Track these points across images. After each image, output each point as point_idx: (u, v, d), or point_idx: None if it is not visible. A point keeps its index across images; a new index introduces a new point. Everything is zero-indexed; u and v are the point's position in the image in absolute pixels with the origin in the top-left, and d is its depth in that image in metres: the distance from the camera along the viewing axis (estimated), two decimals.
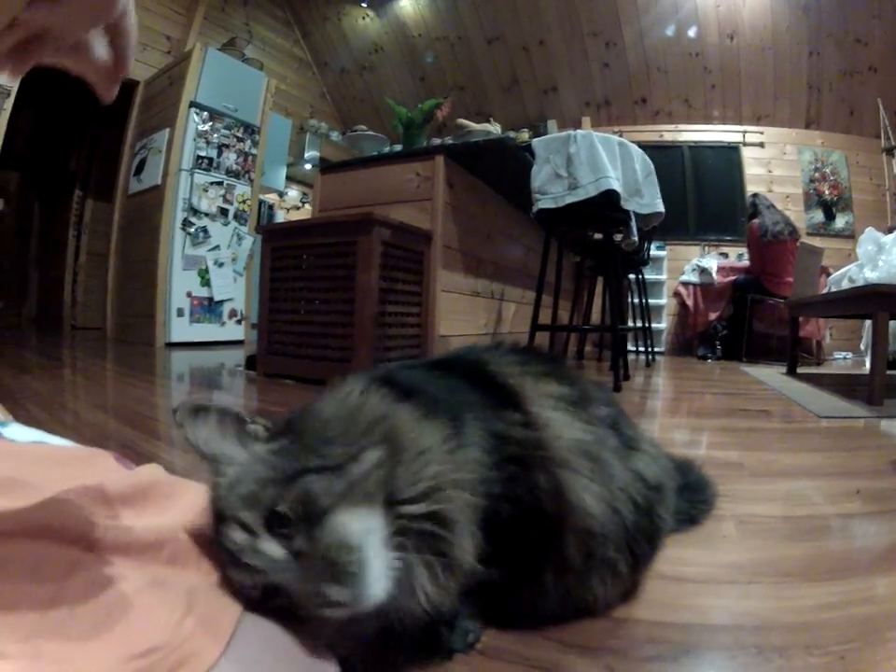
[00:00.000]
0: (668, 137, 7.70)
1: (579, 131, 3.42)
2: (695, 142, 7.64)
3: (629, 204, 3.47)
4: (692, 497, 1.21)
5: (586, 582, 0.78)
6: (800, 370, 4.78)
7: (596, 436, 0.78)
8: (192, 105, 5.73)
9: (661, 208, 3.74)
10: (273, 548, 0.53)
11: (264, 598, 0.55)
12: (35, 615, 0.43)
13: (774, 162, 7.46)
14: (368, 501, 0.56)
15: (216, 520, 0.57)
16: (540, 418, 0.75)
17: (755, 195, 6.46)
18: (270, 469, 0.57)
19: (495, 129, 4.11)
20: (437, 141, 4.22)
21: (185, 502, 0.66)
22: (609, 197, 3.29)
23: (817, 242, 6.23)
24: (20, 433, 0.79)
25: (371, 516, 0.56)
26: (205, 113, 5.82)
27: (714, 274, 6.72)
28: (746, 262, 6.62)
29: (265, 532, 0.54)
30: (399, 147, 4.22)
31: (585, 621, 0.82)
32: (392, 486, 0.59)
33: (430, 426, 0.65)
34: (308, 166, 8.03)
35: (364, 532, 0.55)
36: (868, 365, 3.63)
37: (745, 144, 7.50)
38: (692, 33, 6.92)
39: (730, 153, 7.57)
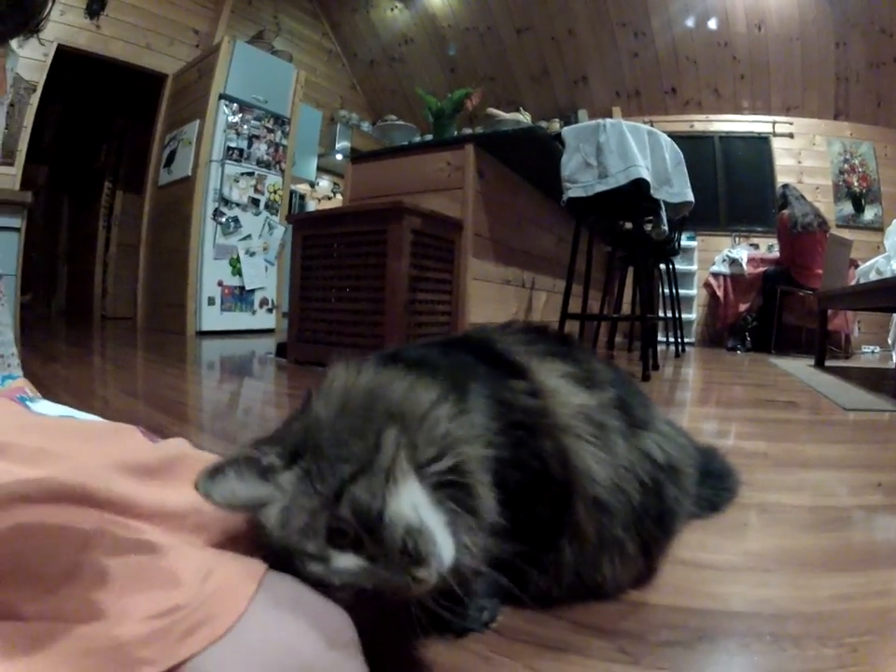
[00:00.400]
0: (699, 127, 7.61)
1: (608, 119, 3.40)
2: (726, 132, 7.56)
3: (659, 193, 3.44)
4: (714, 484, 1.20)
5: (597, 560, 0.78)
6: (828, 363, 4.72)
7: (601, 407, 0.78)
8: (222, 97, 5.76)
9: (690, 197, 3.71)
10: (349, 563, 0.54)
11: (361, 601, 0.56)
12: (58, 576, 0.44)
13: (804, 153, 7.36)
14: (404, 478, 0.57)
15: (282, 559, 0.57)
16: (546, 387, 0.76)
17: (785, 186, 6.40)
18: (309, 496, 0.57)
19: (525, 118, 4.10)
20: (467, 131, 4.21)
21: None
22: (639, 186, 3.27)
23: (846, 234, 6.15)
24: (48, 408, 0.80)
25: (414, 491, 0.57)
26: (235, 105, 5.85)
27: (745, 265, 6.66)
28: (776, 254, 6.56)
29: (335, 553, 0.55)
30: (429, 137, 4.22)
31: (599, 603, 0.82)
32: (415, 455, 0.60)
33: (424, 386, 0.66)
34: (339, 156, 7.99)
35: (417, 509, 0.56)
36: (895, 359, 3.59)
37: (775, 134, 7.40)
38: (718, 22, 6.85)
39: (760, 144, 7.48)
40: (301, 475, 0.58)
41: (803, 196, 6.22)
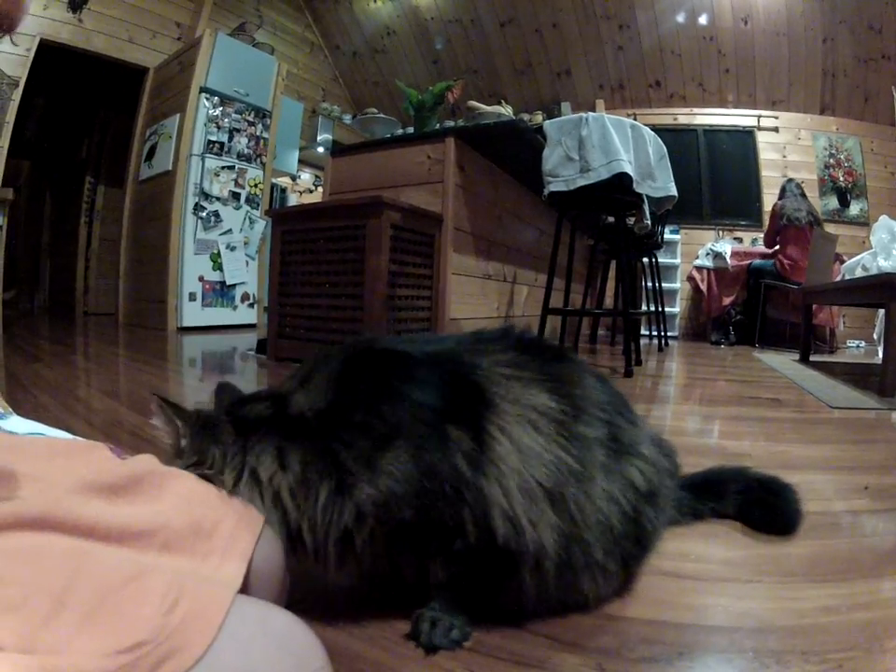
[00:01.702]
0: (683, 121, 7.63)
1: (590, 113, 3.38)
2: (710, 125, 7.57)
3: (642, 188, 3.43)
4: (701, 495, 1.17)
5: (574, 582, 0.79)
6: (813, 357, 4.75)
7: (568, 466, 0.77)
8: (203, 90, 5.72)
9: (674, 192, 3.70)
10: None
11: None
12: (31, 606, 0.43)
13: (789, 147, 7.39)
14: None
15: None
16: (499, 445, 0.75)
17: (789, 180, 6.42)
18: None
19: (507, 111, 4.08)
20: (449, 124, 4.19)
21: (178, 490, 0.66)
22: (622, 180, 3.26)
23: (831, 229, 6.20)
24: (18, 425, 0.80)
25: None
26: (216, 98, 5.81)
27: (728, 259, 6.67)
28: (760, 247, 6.59)
29: None
30: (410, 130, 4.20)
31: (578, 617, 0.82)
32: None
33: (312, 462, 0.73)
34: (321, 149, 7.99)
35: None
36: (881, 355, 3.59)
37: (759, 128, 7.42)
38: (705, 17, 6.86)
39: (745, 137, 7.50)
40: None
41: (804, 195, 6.22)
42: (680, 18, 6.94)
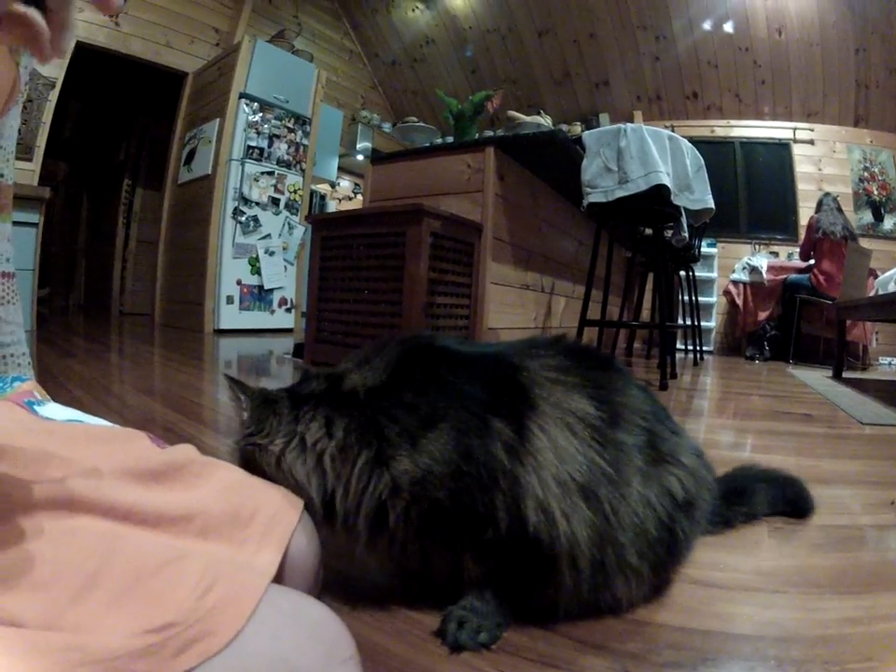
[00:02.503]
0: (720, 133, 7.57)
1: (629, 124, 3.38)
2: (747, 138, 7.50)
3: (679, 200, 3.42)
4: (735, 502, 1.20)
5: (608, 583, 0.80)
6: (845, 374, 4.70)
7: (602, 468, 0.79)
8: (242, 95, 5.78)
9: (711, 204, 3.68)
10: None
11: None
12: (59, 585, 0.44)
13: (824, 160, 7.29)
14: None
15: None
16: (539, 440, 0.78)
17: (826, 194, 6.38)
18: None
19: (546, 121, 4.09)
20: (488, 133, 4.20)
21: (217, 479, 0.67)
22: (660, 192, 3.25)
23: (865, 243, 6.12)
24: (56, 412, 0.80)
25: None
26: (255, 104, 5.87)
27: (764, 273, 6.62)
28: (797, 261, 6.53)
29: None
30: (449, 139, 4.21)
31: (606, 621, 0.83)
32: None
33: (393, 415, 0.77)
34: (360, 157, 7.99)
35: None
36: None
37: (795, 140, 7.33)
38: (739, 27, 6.80)
39: (780, 150, 7.41)
40: None
41: (840, 209, 6.17)
42: (716, 28, 6.89)
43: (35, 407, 0.80)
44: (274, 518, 0.65)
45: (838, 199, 6.34)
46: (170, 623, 0.44)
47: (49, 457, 0.56)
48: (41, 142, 5.34)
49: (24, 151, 5.17)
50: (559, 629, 0.80)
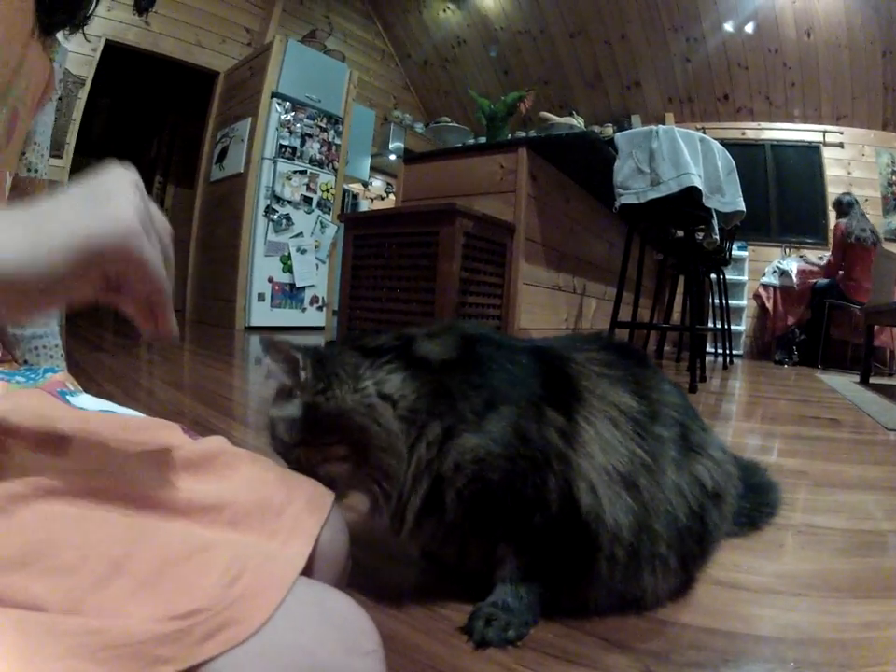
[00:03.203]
0: (751, 135, 7.51)
1: (660, 126, 3.38)
2: (777, 140, 7.43)
3: (711, 202, 3.41)
4: (756, 500, 1.23)
5: (636, 574, 0.82)
6: (872, 379, 4.67)
7: (642, 459, 0.82)
8: (274, 95, 5.82)
9: (742, 206, 3.67)
10: None
11: None
12: (84, 570, 0.44)
13: (853, 164, 7.20)
14: None
15: None
16: (585, 432, 0.81)
17: (846, 194, 6.33)
18: None
19: (578, 122, 4.09)
20: (520, 134, 4.20)
21: (248, 471, 0.67)
22: (691, 194, 3.25)
23: (894, 248, 6.04)
24: (88, 402, 0.80)
25: None
26: (287, 103, 5.91)
27: (794, 277, 6.57)
28: (822, 264, 6.49)
29: None
30: (482, 140, 4.22)
31: (631, 620, 0.85)
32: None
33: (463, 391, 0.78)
34: (392, 156, 8.00)
35: None
36: None
37: (825, 144, 7.25)
38: (768, 28, 6.74)
39: (810, 153, 7.32)
40: None
41: (864, 213, 6.12)
42: (745, 29, 6.85)
43: (68, 397, 0.80)
44: (305, 510, 0.65)
45: (866, 202, 6.29)
46: (196, 609, 0.44)
47: (80, 446, 0.57)
48: (71, 139, 5.41)
49: (55, 148, 5.23)
50: (584, 627, 0.82)
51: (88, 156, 7.45)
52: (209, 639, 0.43)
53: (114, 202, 0.47)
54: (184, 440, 0.69)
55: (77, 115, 5.42)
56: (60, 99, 4.68)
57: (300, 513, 0.64)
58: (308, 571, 0.60)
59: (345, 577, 0.71)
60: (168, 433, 0.70)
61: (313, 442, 0.77)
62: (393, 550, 1.02)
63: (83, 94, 5.44)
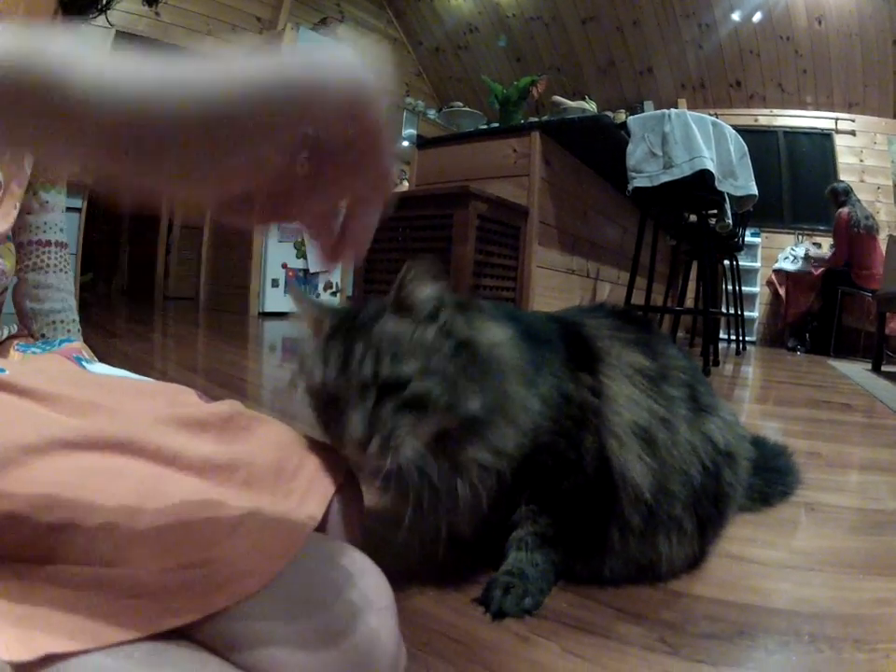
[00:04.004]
0: (763, 122, 7.47)
1: (673, 109, 3.38)
2: (790, 127, 7.39)
3: (723, 186, 3.41)
4: (771, 479, 1.24)
5: (651, 540, 0.84)
6: (884, 367, 4.67)
7: (659, 415, 0.84)
8: None
9: (754, 191, 3.66)
10: None
11: None
12: (104, 519, 0.45)
13: (865, 152, 7.17)
14: None
15: None
16: (610, 389, 0.83)
17: (839, 182, 6.33)
18: None
19: (591, 107, 4.08)
20: (533, 119, 4.20)
21: (263, 433, 0.67)
22: (704, 178, 3.25)
23: None
24: (104, 370, 0.82)
25: None
26: None
27: (808, 260, 6.55)
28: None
29: None
30: (495, 125, 4.22)
31: (644, 590, 0.86)
32: None
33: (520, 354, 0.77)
34: (405, 143, 7.95)
35: None
36: None
37: (837, 131, 7.21)
38: (780, 16, 6.72)
39: (823, 140, 7.28)
40: None
41: (859, 199, 6.12)
42: (757, 16, 6.81)
43: (84, 364, 0.82)
44: (319, 472, 0.66)
45: (878, 190, 6.26)
46: (205, 559, 0.45)
47: (96, 406, 0.57)
48: None
49: None
50: (598, 597, 0.83)
51: None
52: (220, 590, 0.44)
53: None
54: (199, 403, 0.71)
55: None
56: None
57: (314, 475, 0.65)
58: (322, 531, 0.62)
59: (358, 541, 0.70)
60: (184, 396, 0.73)
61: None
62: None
63: None
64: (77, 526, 0.44)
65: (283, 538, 0.51)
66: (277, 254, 5.78)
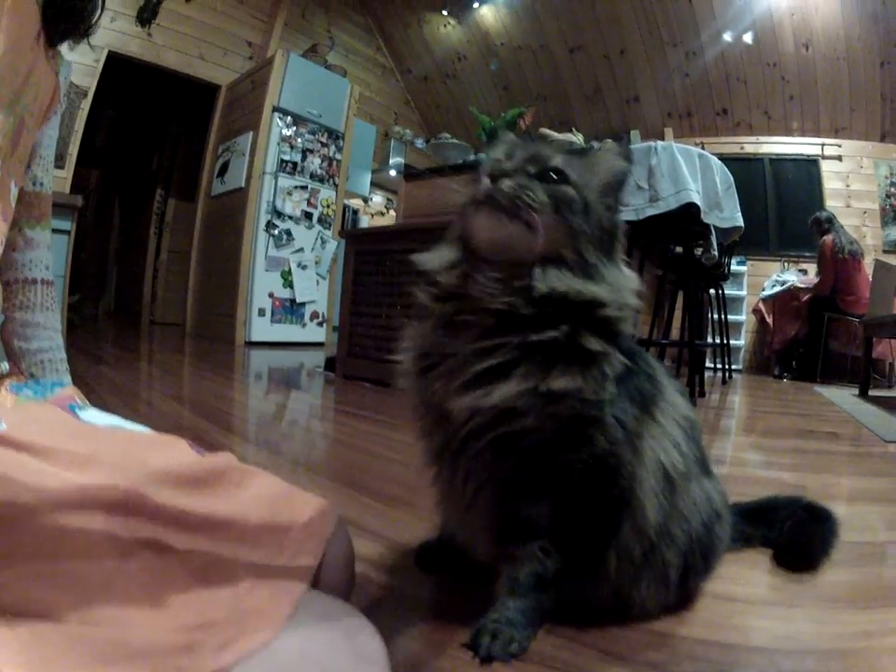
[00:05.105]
0: (749, 149, 7.53)
1: (659, 142, 3.41)
2: (776, 154, 7.44)
3: (709, 218, 3.43)
4: (754, 521, 1.23)
5: (638, 578, 0.85)
6: (871, 392, 4.68)
7: (684, 463, 0.86)
8: (276, 109, 5.86)
9: (740, 222, 3.69)
10: None
11: None
12: (98, 583, 0.45)
13: (852, 176, 7.20)
14: None
15: None
16: (656, 427, 0.85)
17: (822, 211, 6.35)
18: None
19: (577, 139, 4.10)
20: None
21: (255, 488, 0.67)
22: (690, 210, 3.27)
23: (892, 260, 6.03)
24: (97, 417, 0.80)
25: None
26: (289, 118, 5.95)
27: (794, 284, 6.57)
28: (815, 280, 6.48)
29: None
30: (482, 156, 4.24)
31: (630, 633, 0.86)
32: None
33: None
34: (393, 172, 8.03)
35: None
36: None
37: (823, 157, 7.25)
38: (767, 42, 6.77)
39: (809, 166, 7.33)
40: None
41: (842, 226, 6.16)
42: (743, 43, 6.87)
43: (77, 411, 0.81)
44: (311, 526, 0.66)
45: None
46: (210, 621, 0.46)
47: (95, 461, 0.56)
48: (73, 150, 5.44)
49: (57, 159, 5.17)
50: (582, 639, 0.83)
51: (90, 167, 7.50)
52: (223, 650, 0.45)
53: None
54: (192, 456, 0.69)
55: (79, 125, 5.44)
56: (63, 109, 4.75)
57: (306, 530, 0.66)
58: (315, 584, 0.63)
59: (351, 588, 0.73)
60: (177, 448, 0.70)
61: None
62: (398, 566, 1.03)
63: (86, 105, 5.48)
64: (78, 584, 0.44)
65: (280, 596, 0.52)
66: (264, 283, 5.77)
